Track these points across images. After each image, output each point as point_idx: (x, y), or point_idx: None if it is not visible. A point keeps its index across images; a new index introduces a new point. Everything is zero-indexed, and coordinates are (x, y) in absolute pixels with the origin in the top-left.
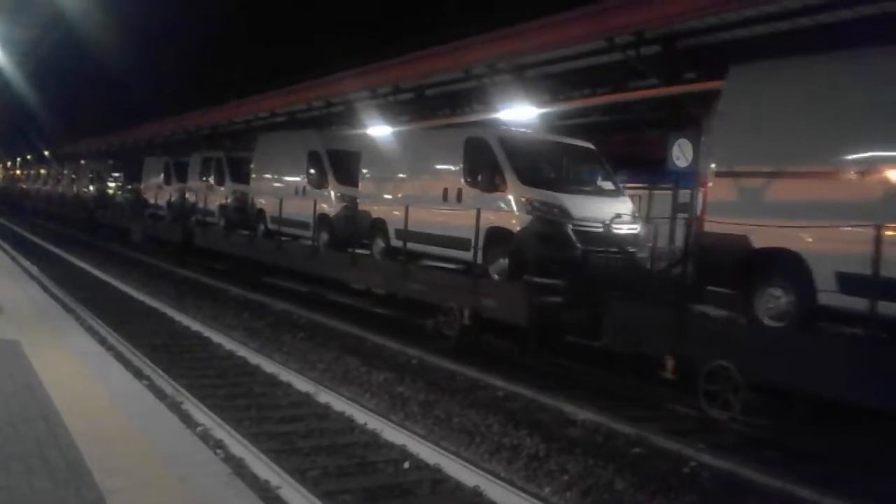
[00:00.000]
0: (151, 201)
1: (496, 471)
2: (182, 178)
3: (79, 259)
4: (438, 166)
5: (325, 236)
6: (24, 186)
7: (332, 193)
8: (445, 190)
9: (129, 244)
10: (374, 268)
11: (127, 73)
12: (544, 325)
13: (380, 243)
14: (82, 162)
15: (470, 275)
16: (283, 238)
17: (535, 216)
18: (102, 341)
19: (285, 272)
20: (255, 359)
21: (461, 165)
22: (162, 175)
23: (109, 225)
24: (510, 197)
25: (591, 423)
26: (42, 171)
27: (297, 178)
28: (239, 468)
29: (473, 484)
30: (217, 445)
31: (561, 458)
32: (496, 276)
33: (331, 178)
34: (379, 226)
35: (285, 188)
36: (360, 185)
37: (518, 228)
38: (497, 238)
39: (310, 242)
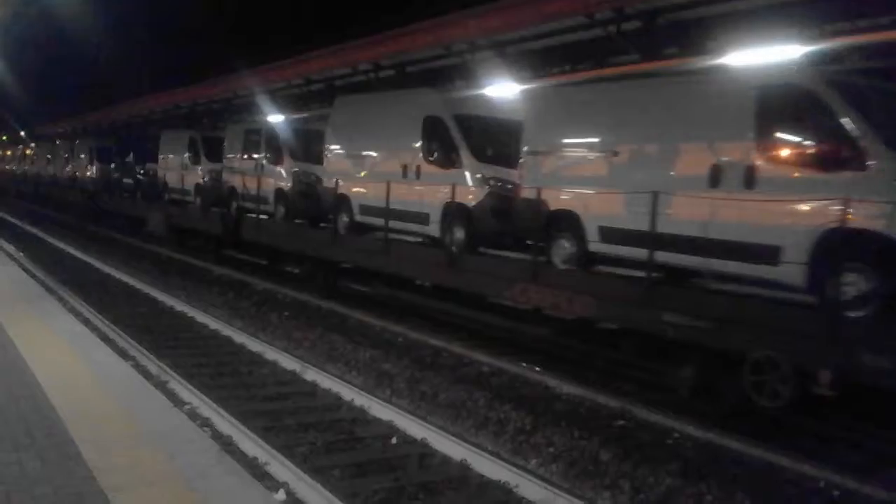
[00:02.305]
0: (172, 184)
1: None
2: (214, 155)
3: (84, 252)
4: (698, 133)
5: (459, 234)
6: (7, 168)
7: (470, 175)
8: (715, 168)
9: (144, 236)
10: (576, 285)
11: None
12: None
13: (565, 246)
14: (77, 141)
15: (813, 308)
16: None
17: None
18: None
19: (376, 277)
20: (239, 338)
21: (752, 130)
22: (186, 153)
23: (116, 212)
24: (877, 180)
25: None
26: (29, 152)
27: (406, 154)
28: (227, 445)
29: None
30: (204, 424)
31: None
32: (858, 312)
33: (465, 153)
34: (564, 221)
35: (383, 168)
36: (522, 162)
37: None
38: (844, 249)
39: (418, 241)
